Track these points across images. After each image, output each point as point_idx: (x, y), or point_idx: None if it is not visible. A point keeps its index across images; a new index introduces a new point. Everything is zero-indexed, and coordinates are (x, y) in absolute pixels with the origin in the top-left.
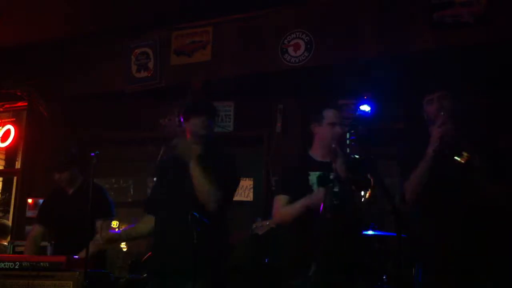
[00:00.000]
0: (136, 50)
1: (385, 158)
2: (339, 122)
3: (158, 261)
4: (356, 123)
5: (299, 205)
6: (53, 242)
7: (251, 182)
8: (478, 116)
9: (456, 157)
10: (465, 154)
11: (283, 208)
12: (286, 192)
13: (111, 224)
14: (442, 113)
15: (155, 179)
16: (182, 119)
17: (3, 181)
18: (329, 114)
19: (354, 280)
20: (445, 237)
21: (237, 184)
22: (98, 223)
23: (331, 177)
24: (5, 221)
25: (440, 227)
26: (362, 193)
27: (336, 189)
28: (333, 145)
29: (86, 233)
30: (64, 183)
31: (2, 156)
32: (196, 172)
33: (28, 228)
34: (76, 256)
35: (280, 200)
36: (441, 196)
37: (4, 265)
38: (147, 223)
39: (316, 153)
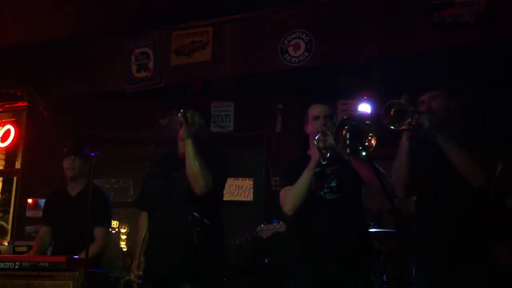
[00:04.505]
0: (136, 50)
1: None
2: (323, 115)
3: (155, 263)
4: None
5: (304, 174)
6: (53, 242)
7: (251, 182)
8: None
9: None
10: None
11: (289, 190)
12: (290, 184)
13: (109, 232)
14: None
15: (146, 175)
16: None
17: (3, 181)
18: (312, 110)
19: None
20: (437, 229)
21: (225, 176)
22: (97, 231)
23: (328, 172)
24: (1, 222)
25: (432, 218)
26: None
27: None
28: (321, 126)
29: (85, 237)
30: (70, 173)
31: (2, 156)
32: (190, 148)
33: (28, 228)
34: (76, 256)
35: (285, 189)
36: (429, 186)
37: (4, 265)
38: (146, 222)
39: (313, 152)
